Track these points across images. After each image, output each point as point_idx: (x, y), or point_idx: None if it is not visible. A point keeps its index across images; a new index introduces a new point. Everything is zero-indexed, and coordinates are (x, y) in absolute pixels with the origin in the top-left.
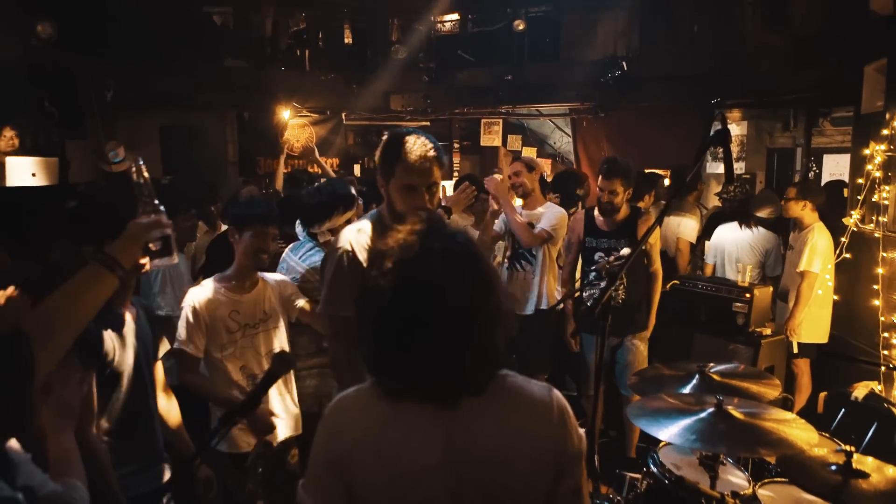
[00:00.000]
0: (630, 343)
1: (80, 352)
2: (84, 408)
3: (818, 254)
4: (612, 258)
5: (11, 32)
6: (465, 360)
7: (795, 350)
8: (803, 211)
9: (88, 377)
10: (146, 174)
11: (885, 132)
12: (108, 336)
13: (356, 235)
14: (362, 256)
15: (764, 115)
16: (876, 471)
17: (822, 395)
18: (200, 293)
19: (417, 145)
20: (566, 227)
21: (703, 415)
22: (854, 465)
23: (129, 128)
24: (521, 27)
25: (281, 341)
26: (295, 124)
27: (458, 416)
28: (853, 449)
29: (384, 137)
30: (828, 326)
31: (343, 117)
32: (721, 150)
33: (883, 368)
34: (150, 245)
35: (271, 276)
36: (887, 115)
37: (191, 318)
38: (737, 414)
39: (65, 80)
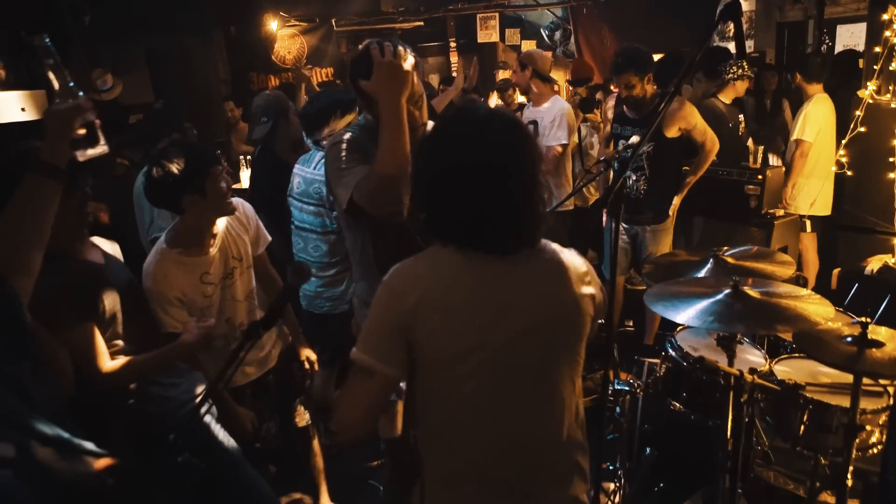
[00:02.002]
0: (651, 232)
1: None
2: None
3: (811, 122)
4: (620, 147)
5: None
6: (525, 215)
7: (809, 229)
8: (799, 83)
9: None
10: (56, 56)
11: None
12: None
13: (347, 135)
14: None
15: None
16: (891, 339)
17: (836, 271)
18: (162, 278)
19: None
20: (574, 120)
21: (719, 296)
22: (869, 336)
23: (113, 54)
24: None
25: (252, 276)
26: (284, 35)
27: (518, 265)
28: (868, 320)
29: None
30: (830, 198)
31: (333, 24)
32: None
33: None
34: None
35: (242, 203)
36: None
37: (168, 309)
38: (753, 293)
39: (39, 8)
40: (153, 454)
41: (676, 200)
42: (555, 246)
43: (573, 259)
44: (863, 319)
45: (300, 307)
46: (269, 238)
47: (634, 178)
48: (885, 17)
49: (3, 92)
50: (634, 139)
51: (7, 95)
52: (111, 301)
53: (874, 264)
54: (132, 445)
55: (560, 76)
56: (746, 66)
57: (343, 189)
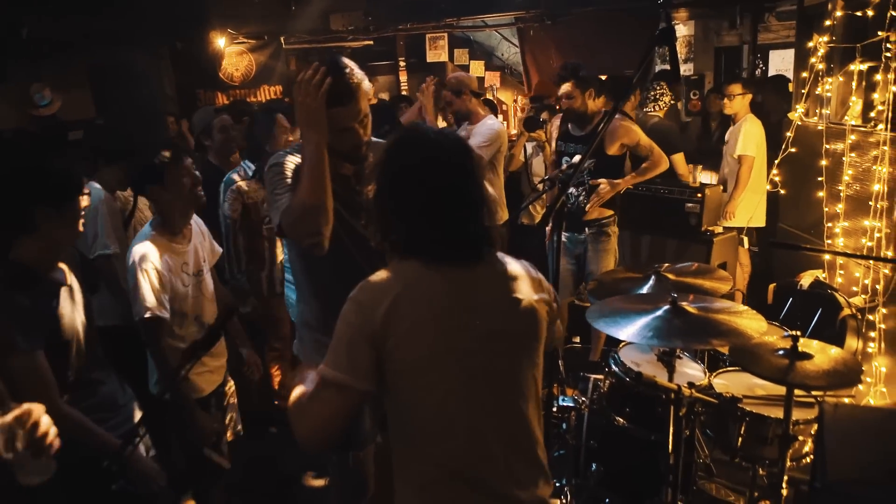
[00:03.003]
0: (594, 252)
1: (28, 334)
2: (48, 384)
3: (748, 137)
4: (564, 166)
5: None
6: (481, 224)
7: (747, 245)
8: (742, 104)
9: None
10: None
11: (828, 23)
12: (62, 303)
13: (291, 157)
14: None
15: (710, 14)
16: (820, 352)
17: (771, 286)
18: (152, 250)
19: (335, 84)
20: (502, 140)
21: (658, 312)
22: (800, 349)
23: (54, 69)
24: None
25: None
26: (232, 52)
27: (478, 272)
28: (798, 333)
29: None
30: (763, 210)
31: (282, 41)
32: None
33: (827, 256)
34: None
35: (195, 220)
36: (829, 6)
37: (155, 282)
38: (690, 309)
39: None
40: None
41: (617, 183)
42: (506, 257)
43: (525, 267)
44: (793, 333)
45: None
46: (220, 250)
47: (576, 192)
48: (811, 44)
49: None
50: (577, 158)
51: None
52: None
53: (806, 279)
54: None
55: (508, 96)
56: (665, 87)
57: (275, 213)
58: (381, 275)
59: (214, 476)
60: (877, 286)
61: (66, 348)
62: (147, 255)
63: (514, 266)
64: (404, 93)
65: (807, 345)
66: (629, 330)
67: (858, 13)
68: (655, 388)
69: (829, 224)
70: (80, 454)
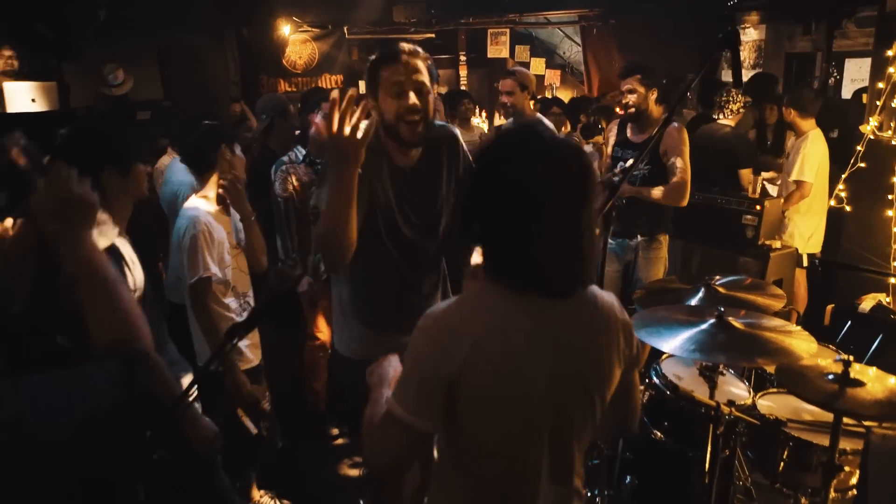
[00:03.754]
0: (644, 259)
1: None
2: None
3: (809, 161)
4: (617, 169)
5: None
6: (586, 252)
7: (805, 263)
8: (792, 118)
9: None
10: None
11: None
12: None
13: None
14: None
15: (783, 17)
16: (874, 380)
17: (829, 307)
18: (206, 215)
19: (398, 46)
20: None
21: (703, 326)
22: (851, 375)
23: (126, 50)
24: None
25: None
26: (296, 40)
27: (567, 310)
28: (851, 358)
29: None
30: (821, 236)
31: (345, 31)
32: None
33: (893, 280)
34: None
35: None
36: None
37: (208, 243)
38: (737, 325)
39: (57, 2)
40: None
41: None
42: (598, 292)
43: (616, 305)
44: (845, 357)
45: None
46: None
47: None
48: (890, 53)
49: (15, 82)
50: (630, 162)
51: (18, 86)
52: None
53: (868, 302)
54: None
55: (568, 95)
56: (737, 94)
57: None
58: (459, 307)
59: (246, 443)
60: None
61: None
62: (202, 215)
63: (607, 303)
64: (463, 87)
65: (861, 371)
66: (672, 341)
67: None
68: (693, 402)
69: None
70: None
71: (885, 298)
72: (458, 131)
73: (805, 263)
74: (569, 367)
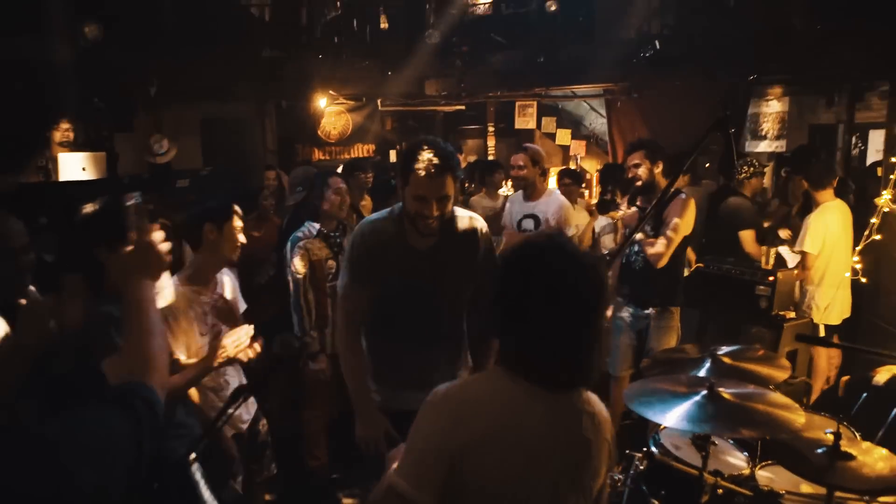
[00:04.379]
0: (656, 328)
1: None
2: None
3: (812, 232)
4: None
5: (62, 33)
6: (593, 357)
7: (822, 333)
8: (809, 190)
9: None
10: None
11: None
12: None
13: (370, 226)
14: (368, 244)
15: (806, 91)
16: (865, 453)
17: (844, 379)
18: (176, 301)
19: (427, 160)
20: (571, 213)
21: (695, 397)
22: (842, 448)
23: (172, 121)
24: (553, 7)
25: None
26: (331, 112)
27: (568, 404)
28: (839, 431)
29: (402, 147)
30: (842, 308)
31: (378, 103)
32: (762, 126)
33: None
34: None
35: (227, 274)
36: None
37: (171, 324)
38: (727, 396)
39: (112, 77)
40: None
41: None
42: (593, 396)
43: (604, 408)
44: (833, 430)
45: None
46: (244, 306)
47: (637, 249)
48: None
49: (69, 152)
50: (640, 236)
51: (71, 156)
52: None
53: (883, 375)
54: None
55: (592, 165)
56: (757, 164)
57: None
58: (469, 386)
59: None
60: None
61: None
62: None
63: (598, 403)
64: (491, 156)
65: (853, 444)
66: (663, 412)
67: None
68: (679, 471)
69: None
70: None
71: None
72: (480, 223)
73: (822, 334)
74: (571, 459)
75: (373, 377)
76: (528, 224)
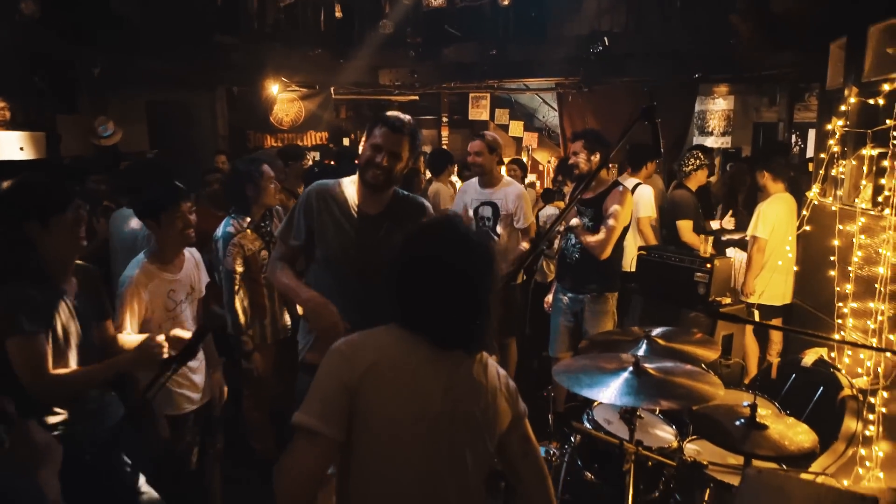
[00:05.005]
0: (591, 312)
1: (32, 320)
2: (42, 360)
3: (762, 219)
4: (561, 225)
5: None
6: (478, 323)
7: (757, 318)
8: (764, 180)
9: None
10: None
11: (844, 108)
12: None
13: (322, 185)
14: (317, 197)
15: (750, 91)
16: (779, 423)
17: (776, 361)
18: (138, 276)
19: (397, 118)
20: (529, 201)
21: (623, 374)
22: (758, 419)
23: (119, 104)
24: (506, 2)
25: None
26: (284, 98)
27: (456, 360)
28: (755, 402)
29: (356, 136)
30: (784, 290)
31: (332, 91)
32: (709, 122)
33: (838, 336)
34: None
35: (189, 250)
36: (846, 91)
37: (131, 302)
38: (651, 371)
39: (53, 58)
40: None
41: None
42: (491, 361)
43: (499, 370)
44: (751, 402)
45: None
46: (208, 279)
47: (574, 241)
48: (829, 126)
49: (4, 131)
50: (575, 221)
51: (8, 135)
52: (66, 328)
53: (810, 357)
54: None
55: (544, 156)
56: (702, 156)
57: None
58: (369, 335)
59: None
60: (878, 368)
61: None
62: (129, 289)
63: (491, 365)
64: (445, 146)
65: (779, 419)
66: (590, 388)
67: (871, 101)
68: (606, 444)
69: (840, 304)
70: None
71: (827, 353)
72: (426, 203)
73: (757, 317)
74: (459, 403)
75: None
76: (486, 211)
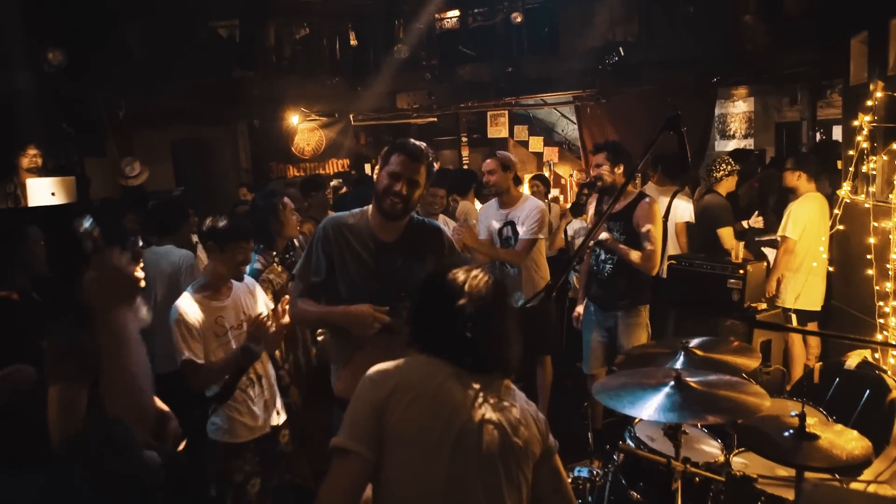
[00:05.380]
0: (624, 325)
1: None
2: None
3: (794, 220)
4: (591, 242)
5: (25, 60)
6: (499, 352)
7: (794, 323)
8: (798, 181)
9: None
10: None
11: (870, 103)
12: None
13: (336, 218)
14: (333, 232)
15: (770, 91)
16: (831, 433)
17: (817, 365)
18: (186, 305)
19: (413, 145)
20: (546, 217)
21: (664, 389)
22: (808, 429)
23: (143, 145)
24: (518, 19)
25: None
26: (304, 128)
27: (482, 381)
28: (803, 412)
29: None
30: (819, 294)
31: (351, 119)
32: (730, 126)
33: (880, 336)
34: None
35: (238, 283)
36: (871, 86)
37: (185, 331)
38: (693, 385)
39: (79, 103)
40: None
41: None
42: (518, 393)
43: (530, 407)
44: (798, 411)
45: None
46: (271, 305)
47: (604, 257)
48: (856, 122)
49: (37, 178)
50: (604, 235)
51: (40, 181)
52: None
53: (853, 360)
54: None
55: (566, 170)
56: (733, 163)
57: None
58: (397, 360)
59: None
60: None
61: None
62: (181, 307)
63: (521, 398)
64: (466, 166)
65: (827, 427)
66: (633, 404)
67: None
68: (651, 462)
69: (881, 303)
70: None
71: (869, 355)
72: (441, 227)
73: (794, 323)
74: (488, 414)
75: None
76: (507, 231)
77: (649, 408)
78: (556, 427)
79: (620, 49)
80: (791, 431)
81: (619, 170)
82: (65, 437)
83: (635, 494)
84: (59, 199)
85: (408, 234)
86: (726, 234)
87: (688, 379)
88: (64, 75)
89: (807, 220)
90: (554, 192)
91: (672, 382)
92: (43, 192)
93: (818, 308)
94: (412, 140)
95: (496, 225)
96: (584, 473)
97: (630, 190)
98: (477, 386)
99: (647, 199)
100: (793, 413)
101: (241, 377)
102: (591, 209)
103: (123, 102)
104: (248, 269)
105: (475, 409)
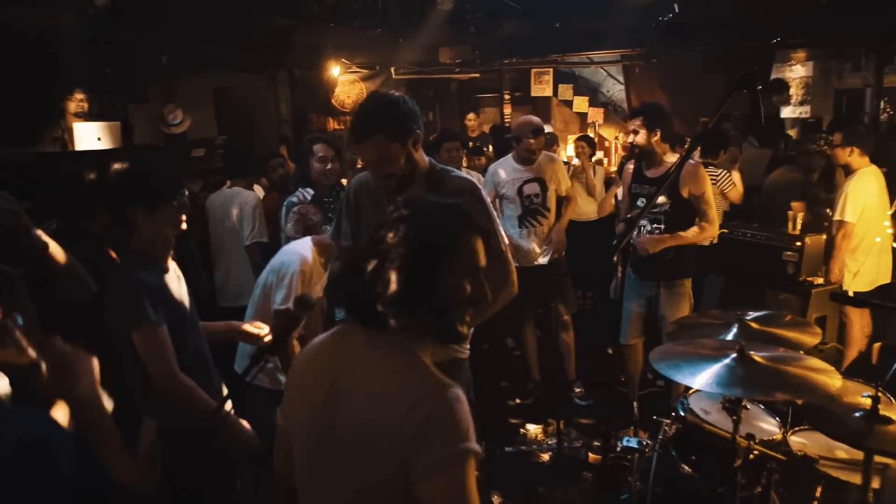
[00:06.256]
0: (666, 294)
1: (156, 308)
2: (169, 355)
3: (852, 201)
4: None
5: (70, 4)
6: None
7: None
8: (850, 157)
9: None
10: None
11: None
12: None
13: (356, 181)
14: (358, 191)
15: (831, 55)
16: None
17: (877, 345)
18: (309, 256)
19: (356, 119)
20: (563, 169)
21: (725, 360)
22: (881, 412)
23: (185, 91)
24: None
25: None
26: (345, 80)
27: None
28: (878, 394)
29: None
30: (875, 273)
31: (392, 72)
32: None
33: None
34: None
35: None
36: None
37: (307, 278)
38: (758, 359)
39: (122, 48)
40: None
41: (661, 239)
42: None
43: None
44: (872, 393)
45: None
46: None
47: (650, 228)
48: None
49: (84, 122)
50: (661, 199)
51: (87, 126)
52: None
53: None
54: None
55: (611, 132)
56: (824, 140)
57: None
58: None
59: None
60: None
61: (181, 323)
62: (305, 255)
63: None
64: (508, 124)
65: (891, 407)
66: (692, 375)
67: None
68: (710, 436)
69: None
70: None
71: None
72: (471, 183)
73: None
74: (345, 399)
75: None
76: (532, 188)
77: (712, 380)
78: (596, 395)
79: (675, 6)
80: (861, 413)
81: (656, 136)
82: (165, 376)
83: (686, 468)
84: (104, 145)
85: (431, 185)
86: (799, 207)
87: (751, 353)
88: (108, 18)
89: (865, 200)
90: (598, 155)
91: (734, 355)
92: (90, 136)
93: (873, 287)
94: (355, 118)
95: (516, 183)
96: (633, 444)
97: (658, 153)
98: (345, 359)
99: (692, 162)
100: (865, 395)
101: (296, 327)
102: (627, 175)
103: (167, 47)
104: (286, 201)
105: (332, 399)
